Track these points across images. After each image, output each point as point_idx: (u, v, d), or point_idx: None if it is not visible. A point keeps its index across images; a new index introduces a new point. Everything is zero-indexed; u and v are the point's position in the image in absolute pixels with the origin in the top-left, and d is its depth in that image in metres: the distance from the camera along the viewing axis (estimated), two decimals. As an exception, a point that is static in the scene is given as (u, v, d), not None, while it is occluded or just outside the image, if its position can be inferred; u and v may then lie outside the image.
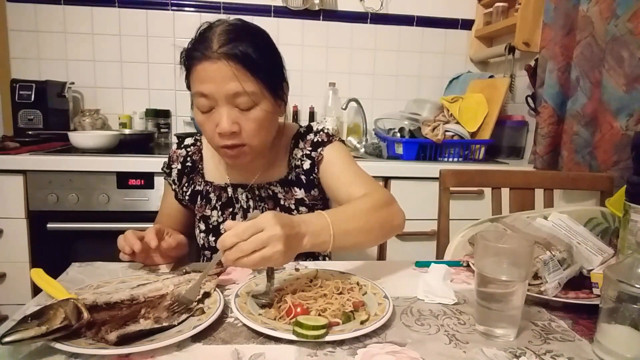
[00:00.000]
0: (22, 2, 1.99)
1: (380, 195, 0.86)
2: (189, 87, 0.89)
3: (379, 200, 0.84)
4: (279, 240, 0.63)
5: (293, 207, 1.00)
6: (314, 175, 0.99)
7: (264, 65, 0.85)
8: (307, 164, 0.98)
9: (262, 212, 0.96)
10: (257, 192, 1.00)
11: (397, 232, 0.88)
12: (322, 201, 1.04)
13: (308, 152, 0.99)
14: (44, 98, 1.85)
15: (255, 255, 0.62)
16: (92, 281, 0.74)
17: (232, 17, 0.89)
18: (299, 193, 1.00)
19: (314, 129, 1.03)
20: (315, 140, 0.99)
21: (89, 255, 0.92)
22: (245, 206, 1.00)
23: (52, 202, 1.52)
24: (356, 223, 0.78)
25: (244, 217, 0.99)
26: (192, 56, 0.84)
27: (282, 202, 1.00)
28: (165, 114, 2.11)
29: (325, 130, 1.02)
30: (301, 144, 1.00)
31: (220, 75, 0.81)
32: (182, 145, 1.05)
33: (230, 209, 1.00)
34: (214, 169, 1.02)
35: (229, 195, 1.00)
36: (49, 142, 1.77)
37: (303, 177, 0.99)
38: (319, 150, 0.98)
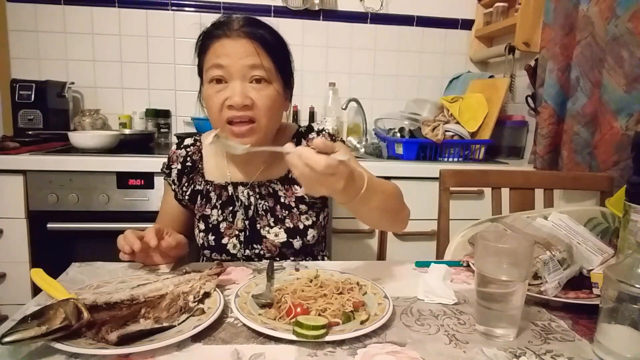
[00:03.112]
0: (22, 2, 1.99)
1: (397, 188, 0.90)
2: (200, 71, 0.93)
3: (398, 190, 0.89)
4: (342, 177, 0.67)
5: (293, 204, 1.01)
6: None
7: (280, 51, 0.92)
8: None
9: (263, 209, 0.98)
10: (257, 190, 1.00)
11: (402, 226, 0.91)
12: (320, 199, 1.05)
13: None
14: (44, 98, 1.85)
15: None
16: (92, 281, 0.74)
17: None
18: (300, 191, 1.01)
19: (315, 128, 1.05)
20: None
21: (89, 255, 0.92)
22: (246, 203, 1.00)
23: (52, 202, 1.52)
24: (381, 195, 0.81)
25: (245, 215, 0.99)
26: (211, 35, 0.89)
27: (282, 200, 1.01)
28: (165, 114, 2.11)
29: (327, 131, 1.04)
30: (304, 143, 1.02)
31: (239, 51, 0.87)
32: (182, 146, 1.06)
33: (231, 207, 1.01)
34: (214, 168, 1.03)
35: (229, 194, 1.01)
36: (49, 142, 1.77)
37: None
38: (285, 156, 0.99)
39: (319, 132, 1.03)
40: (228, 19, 0.90)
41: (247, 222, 1.00)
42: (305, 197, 1.01)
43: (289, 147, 0.67)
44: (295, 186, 1.01)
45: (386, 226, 0.92)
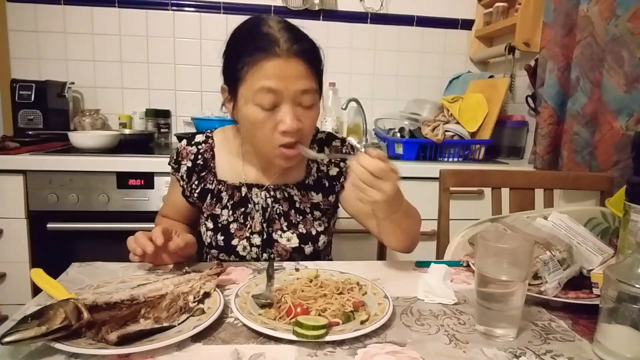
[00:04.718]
0: (22, 2, 1.99)
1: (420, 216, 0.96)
2: (233, 81, 0.87)
3: (420, 218, 0.96)
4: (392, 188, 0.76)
5: (308, 210, 1.00)
6: (337, 182, 1.02)
7: (321, 65, 0.90)
8: (333, 171, 1.02)
9: (277, 213, 0.99)
10: (272, 193, 0.99)
11: (411, 250, 0.96)
12: (333, 208, 1.06)
13: (336, 162, 1.02)
14: (44, 98, 1.85)
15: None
16: (92, 281, 0.74)
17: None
18: (316, 197, 1.01)
19: (338, 136, 1.06)
20: (344, 152, 1.03)
21: (89, 255, 0.92)
22: (264, 205, 0.99)
23: (52, 202, 1.52)
24: (412, 218, 0.91)
25: (263, 217, 0.99)
26: (258, 49, 0.82)
27: (297, 205, 1.00)
28: (165, 114, 2.11)
29: (347, 142, 1.05)
30: (326, 151, 1.03)
31: (293, 74, 0.83)
32: (193, 142, 1.02)
33: (243, 209, 0.99)
34: (228, 168, 1.01)
35: (243, 195, 0.99)
36: (49, 142, 1.77)
37: (326, 181, 1.02)
38: (347, 162, 1.01)
39: (343, 141, 1.04)
40: (266, 31, 0.83)
41: (264, 225, 0.99)
42: (321, 204, 1.01)
43: (351, 156, 0.75)
44: (312, 192, 1.01)
45: (401, 247, 0.94)
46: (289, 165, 0.93)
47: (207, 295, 0.69)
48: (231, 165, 1.01)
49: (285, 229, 0.99)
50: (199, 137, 1.03)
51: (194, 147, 1.02)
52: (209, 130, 1.06)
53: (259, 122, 0.86)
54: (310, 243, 0.99)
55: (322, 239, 1.00)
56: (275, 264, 0.86)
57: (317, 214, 1.01)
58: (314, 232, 0.99)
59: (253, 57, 0.83)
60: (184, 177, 1.01)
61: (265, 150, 0.90)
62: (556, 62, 1.51)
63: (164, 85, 2.15)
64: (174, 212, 1.07)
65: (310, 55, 0.86)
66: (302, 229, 0.99)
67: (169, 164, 1.03)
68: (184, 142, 1.03)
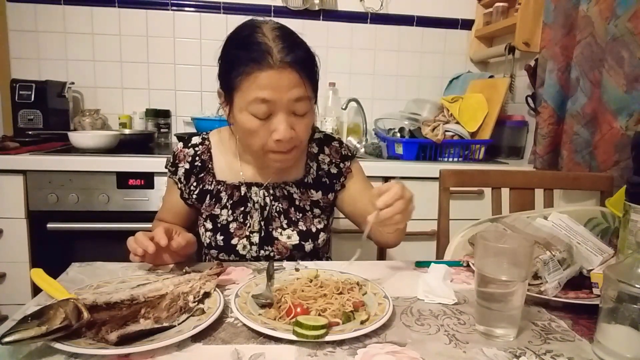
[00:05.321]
0: (22, 2, 1.99)
1: None
2: (228, 87, 0.88)
3: None
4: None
5: (308, 208, 1.02)
6: (337, 181, 1.04)
7: (315, 71, 0.90)
8: (334, 169, 1.04)
9: (277, 211, 1.00)
10: (271, 191, 1.00)
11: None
12: (331, 206, 1.08)
13: (337, 162, 1.04)
14: (44, 98, 1.85)
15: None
16: (92, 281, 0.74)
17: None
18: (316, 195, 1.02)
19: (335, 137, 1.08)
20: (343, 153, 1.05)
21: (89, 255, 0.92)
22: (262, 203, 1.00)
23: (52, 202, 1.52)
24: None
25: (261, 215, 0.99)
26: (251, 60, 0.82)
27: (297, 203, 1.01)
28: (165, 114, 2.11)
29: (345, 144, 1.08)
30: (327, 150, 1.04)
31: (286, 83, 0.83)
32: (190, 145, 1.03)
33: (242, 208, 1.00)
34: (226, 168, 1.02)
35: (242, 194, 1.00)
36: (49, 142, 1.77)
37: (326, 179, 1.03)
38: (346, 163, 1.05)
39: (340, 142, 1.06)
40: (260, 40, 0.83)
41: (262, 223, 0.99)
42: (320, 201, 1.03)
43: (372, 216, 0.78)
44: (312, 190, 1.02)
45: (396, 243, 1.03)
46: (284, 166, 0.95)
47: (207, 295, 0.69)
48: (229, 165, 1.02)
49: (285, 226, 0.99)
50: (195, 139, 1.04)
51: (191, 149, 1.03)
52: (204, 132, 1.07)
53: (253, 130, 0.87)
54: (310, 240, 0.99)
55: (322, 236, 1.01)
56: (276, 263, 0.86)
57: (317, 211, 1.02)
58: (314, 230, 1.00)
59: (247, 68, 0.83)
60: (182, 179, 1.02)
61: (259, 154, 0.92)
62: (556, 62, 1.51)
63: (164, 85, 2.15)
64: (172, 215, 1.07)
65: (304, 64, 0.85)
66: (302, 226, 1.00)
67: (166, 167, 1.04)
68: (180, 144, 1.04)
